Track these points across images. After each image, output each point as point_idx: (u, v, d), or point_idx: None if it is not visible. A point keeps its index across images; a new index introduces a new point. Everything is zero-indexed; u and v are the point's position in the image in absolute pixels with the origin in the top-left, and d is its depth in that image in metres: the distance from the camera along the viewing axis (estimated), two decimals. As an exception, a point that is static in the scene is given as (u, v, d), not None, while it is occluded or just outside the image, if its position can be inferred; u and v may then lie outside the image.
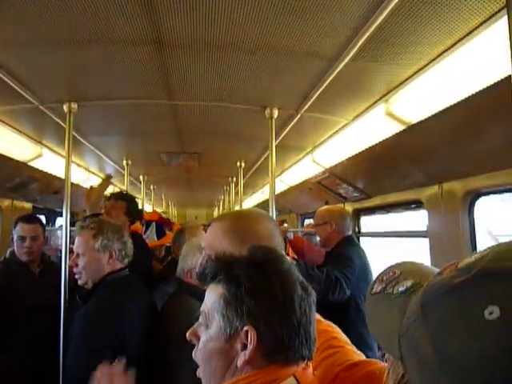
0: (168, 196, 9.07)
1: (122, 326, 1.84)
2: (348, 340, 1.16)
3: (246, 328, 0.83)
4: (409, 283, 0.59)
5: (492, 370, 0.40)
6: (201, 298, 2.10)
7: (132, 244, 2.15)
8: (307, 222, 6.06)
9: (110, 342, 1.77)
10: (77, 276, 2.05)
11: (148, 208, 7.03)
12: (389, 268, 0.67)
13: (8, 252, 2.97)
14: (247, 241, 1.14)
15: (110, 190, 5.18)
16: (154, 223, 4.08)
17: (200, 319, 0.93)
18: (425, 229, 2.90)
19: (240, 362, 0.83)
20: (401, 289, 0.59)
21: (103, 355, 1.71)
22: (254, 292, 0.84)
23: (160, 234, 4.15)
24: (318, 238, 3.24)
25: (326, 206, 3.34)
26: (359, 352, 1.11)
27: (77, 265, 2.03)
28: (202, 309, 0.93)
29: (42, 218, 5.09)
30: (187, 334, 0.95)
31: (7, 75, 2.09)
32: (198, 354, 0.92)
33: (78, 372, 1.73)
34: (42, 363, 2.47)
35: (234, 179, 5.74)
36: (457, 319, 0.45)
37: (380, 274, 0.66)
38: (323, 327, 1.16)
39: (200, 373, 0.92)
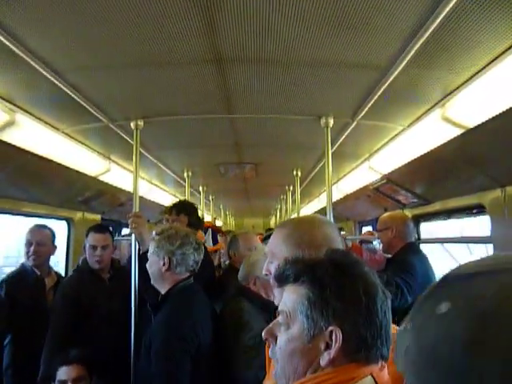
0: (226, 206, 9.27)
1: (197, 333, 1.94)
2: None
3: (331, 328, 0.86)
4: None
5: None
6: (258, 305, 2.19)
7: (196, 253, 2.20)
8: (365, 229, 5.98)
9: (189, 350, 1.89)
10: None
11: (207, 218, 7.22)
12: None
13: (80, 260, 3.11)
14: (304, 247, 1.20)
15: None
16: (210, 229, 4.18)
17: (280, 319, 0.96)
18: (488, 234, 2.81)
19: (324, 361, 0.87)
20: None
21: (184, 362, 1.86)
22: (339, 293, 0.88)
23: (214, 240, 4.25)
24: (376, 245, 3.23)
25: (388, 212, 3.32)
26: None
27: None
28: (281, 309, 0.96)
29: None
30: (263, 332, 0.98)
31: (81, 97, 2.30)
32: (277, 353, 0.94)
33: (162, 379, 1.86)
34: (112, 368, 2.54)
35: (291, 188, 5.79)
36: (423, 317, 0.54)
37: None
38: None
39: (278, 371, 0.94)
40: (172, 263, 2.10)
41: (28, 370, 2.62)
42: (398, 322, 1.31)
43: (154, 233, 2.25)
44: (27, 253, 2.93)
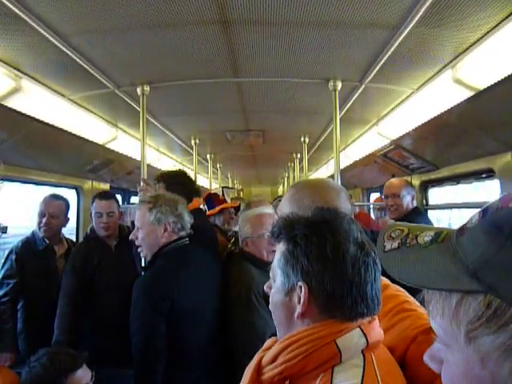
0: (234, 174, 9.30)
1: (171, 292, 1.95)
2: (418, 303, 1.16)
3: (299, 283, 0.91)
4: (431, 233, 0.65)
5: None
6: (256, 265, 2.25)
7: (190, 217, 2.21)
8: (373, 196, 5.99)
9: (158, 308, 1.91)
10: (139, 249, 2.19)
11: (214, 186, 7.23)
12: (390, 228, 0.71)
13: (89, 228, 3.14)
14: (305, 208, 1.21)
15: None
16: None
17: (270, 274, 1.03)
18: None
19: (296, 313, 0.92)
20: (427, 239, 0.64)
21: (155, 320, 1.89)
22: (307, 251, 0.92)
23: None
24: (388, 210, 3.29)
25: (397, 178, 3.38)
26: None
27: (137, 238, 2.17)
28: (271, 265, 1.03)
29: (118, 197, 5.38)
30: (264, 286, 1.06)
31: (86, 62, 2.28)
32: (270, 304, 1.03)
33: (136, 337, 1.91)
34: (110, 337, 2.57)
35: (298, 155, 5.78)
36: None
37: (384, 234, 0.70)
38: (392, 292, 1.20)
39: (274, 320, 1.02)
40: (175, 228, 2.12)
41: (40, 334, 2.71)
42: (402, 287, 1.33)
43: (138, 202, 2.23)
44: (39, 223, 2.96)
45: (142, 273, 2.31)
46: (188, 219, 2.20)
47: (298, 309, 0.91)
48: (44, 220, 2.95)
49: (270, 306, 1.03)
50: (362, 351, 0.89)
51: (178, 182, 2.72)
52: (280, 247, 0.99)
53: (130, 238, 2.23)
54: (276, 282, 0.98)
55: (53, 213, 2.98)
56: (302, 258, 0.92)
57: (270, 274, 1.03)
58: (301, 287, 0.91)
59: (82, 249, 2.90)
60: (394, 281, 1.28)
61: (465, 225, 0.61)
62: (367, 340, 0.89)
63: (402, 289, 1.23)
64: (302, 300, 0.90)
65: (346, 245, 0.91)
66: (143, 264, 2.38)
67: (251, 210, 2.42)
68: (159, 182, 2.76)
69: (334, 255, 0.90)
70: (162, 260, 2.09)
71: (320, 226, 0.94)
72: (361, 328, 0.90)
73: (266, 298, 2.14)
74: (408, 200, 3.12)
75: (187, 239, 2.20)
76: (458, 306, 0.57)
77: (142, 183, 2.67)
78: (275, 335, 1.03)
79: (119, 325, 2.23)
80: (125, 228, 3.09)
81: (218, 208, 3.63)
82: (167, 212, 2.12)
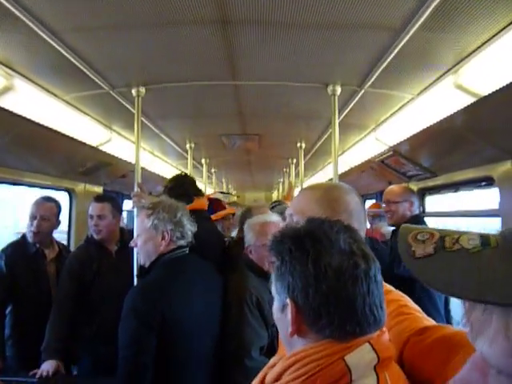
0: (228, 179, 9.25)
1: (162, 306, 1.85)
2: (419, 309, 1.15)
3: (287, 301, 0.87)
4: (472, 236, 0.60)
5: None
6: (256, 273, 2.24)
7: (191, 225, 2.13)
8: (369, 202, 5.96)
9: (147, 322, 1.81)
10: (139, 256, 2.12)
11: (209, 191, 7.18)
12: (410, 230, 0.66)
13: (89, 232, 3.02)
14: (339, 211, 1.19)
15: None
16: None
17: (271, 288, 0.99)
18: (496, 207, 2.77)
19: (287, 332, 0.88)
20: (474, 242, 0.58)
21: (144, 335, 1.81)
22: (291, 266, 0.87)
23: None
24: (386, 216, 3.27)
25: (399, 185, 3.38)
26: (430, 319, 1.09)
27: (136, 245, 2.11)
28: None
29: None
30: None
31: (81, 61, 2.22)
32: None
33: (124, 352, 1.81)
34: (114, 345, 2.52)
35: (294, 161, 5.74)
36: None
37: (407, 236, 0.65)
38: (394, 297, 1.17)
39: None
40: (173, 236, 2.04)
41: (28, 340, 2.64)
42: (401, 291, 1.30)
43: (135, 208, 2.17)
44: (30, 226, 2.88)
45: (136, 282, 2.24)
46: (189, 227, 2.11)
47: (289, 327, 0.87)
48: (35, 223, 2.87)
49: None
50: (375, 368, 0.82)
51: (175, 184, 2.67)
52: (274, 261, 0.94)
53: (130, 244, 2.17)
54: (274, 297, 0.95)
55: (44, 215, 2.90)
56: (287, 275, 0.87)
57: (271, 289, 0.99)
58: (288, 304, 0.87)
59: (81, 253, 2.81)
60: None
61: None
62: (378, 356, 0.82)
63: (404, 294, 1.21)
64: (289, 317, 0.86)
65: (327, 257, 0.84)
66: (137, 272, 2.32)
67: (256, 217, 2.40)
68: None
69: (314, 269, 0.84)
70: (157, 270, 2.01)
71: (303, 239, 0.88)
72: (370, 343, 0.83)
73: (260, 307, 2.12)
74: (405, 207, 3.07)
75: (186, 249, 2.11)
76: (496, 315, 0.53)
77: (136, 188, 2.60)
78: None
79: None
80: (127, 232, 2.99)
81: (222, 213, 3.59)
82: (165, 219, 2.03)
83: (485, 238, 0.59)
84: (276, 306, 0.93)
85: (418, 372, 0.91)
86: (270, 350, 2.02)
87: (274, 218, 2.38)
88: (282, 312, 0.90)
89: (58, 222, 3.06)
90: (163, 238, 2.02)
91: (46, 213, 2.92)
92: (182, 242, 2.08)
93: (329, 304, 0.82)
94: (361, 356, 0.82)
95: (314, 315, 0.84)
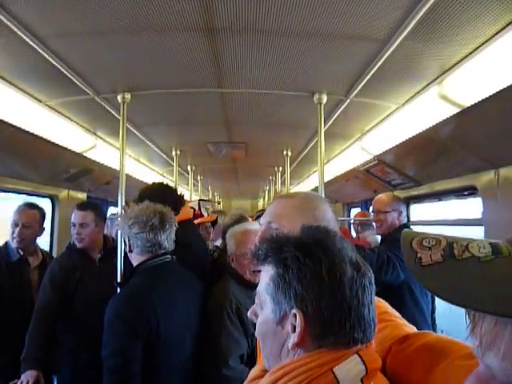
0: (214, 187, 9.20)
1: (147, 313, 1.85)
2: (398, 314, 1.15)
3: (293, 311, 0.84)
4: (483, 244, 0.57)
5: None
6: (238, 282, 2.25)
7: (168, 234, 2.11)
8: (354, 211, 5.99)
9: (134, 329, 1.80)
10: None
11: (195, 198, 7.11)
12: (414, 236, 0.63)
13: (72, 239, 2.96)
14: (319, 219, 1.19)
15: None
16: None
17: (256, 300, 0.95)
18: (479, 216, 2.80)
19: (290, 344, 0.84)
20: (484, 250, 0.56)
21: (128, 344, 1.79)
22: (300, 275, 0.84)
23: None
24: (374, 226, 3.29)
25: (387, 193, 3.39)
26: (411, 325, 1.09)
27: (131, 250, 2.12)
28: (257, 289, 0.95)
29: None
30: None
31: (65, 66, 2.19)
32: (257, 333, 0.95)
33: (110, 361, 1.79)
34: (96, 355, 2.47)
35: (280, 169, 5.75)
36: None
37: (411, 242, 0.61)
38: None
39: (261, 351, 0.95)
40: (143, 247, 2.04)
41: (9, 349, 2.56)
42: (388, 298, 1.30)
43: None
44: (12, 233, 2.83)
45: (118, 290, 2.21)
46: (164, 237, 2.07)
47: (294, 338, 0.83)
48: (17, 230, 2.81)
49: (256, 335, 0.96)
50: (362, 380, 0.81)
51: (158, 195, 2.60)
52: (267, 270, 0.91)
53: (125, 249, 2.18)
54: (264, 309, 0.90)
55: (26, 223, 2.84)
56: (294, 283, 0.84)
57: (256, 300, 0.95)
58: (295, 315, 0.83)
59: (63, 261, 2.73)
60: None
61: None
62: (366, 367, 0.82)
63: (382, 300, 1.21)
64: (297, 329, 0.83)
65: (341, 266, 0.84)
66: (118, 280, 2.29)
67: (237, 226, 2.40)
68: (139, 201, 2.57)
69: (330, 278, 0.83)
70: (138, 277, 2.00)
71: (312, 247, 0.86)
72: (359, 354, 0.83)
73: (241, 316, 2.11)
74: (394, 217, 3.10)
75: (168, 256, 2.09)
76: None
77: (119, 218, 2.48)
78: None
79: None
80: (110, 240, 2.94)
81: (199, 220, 3.56)
82: (138, 230, 2.03)
83: (495, 246, 0.56)
84: (268, 317, 0.89)
85: (402, 381, 0.91)
86: (251, 359, 2.00)
87: (256, 226, 2.36)
88: (278, 324, 0.87)
89: (42, 229, 3.01)
90: (132, 250, 2.09)
91: (29, 220, 2.87)
92: (160, 251, 2.07)
93: (341, 313, 0.82)
94: (350, 368, 0.81)
95: (324, 324, 0.83)
